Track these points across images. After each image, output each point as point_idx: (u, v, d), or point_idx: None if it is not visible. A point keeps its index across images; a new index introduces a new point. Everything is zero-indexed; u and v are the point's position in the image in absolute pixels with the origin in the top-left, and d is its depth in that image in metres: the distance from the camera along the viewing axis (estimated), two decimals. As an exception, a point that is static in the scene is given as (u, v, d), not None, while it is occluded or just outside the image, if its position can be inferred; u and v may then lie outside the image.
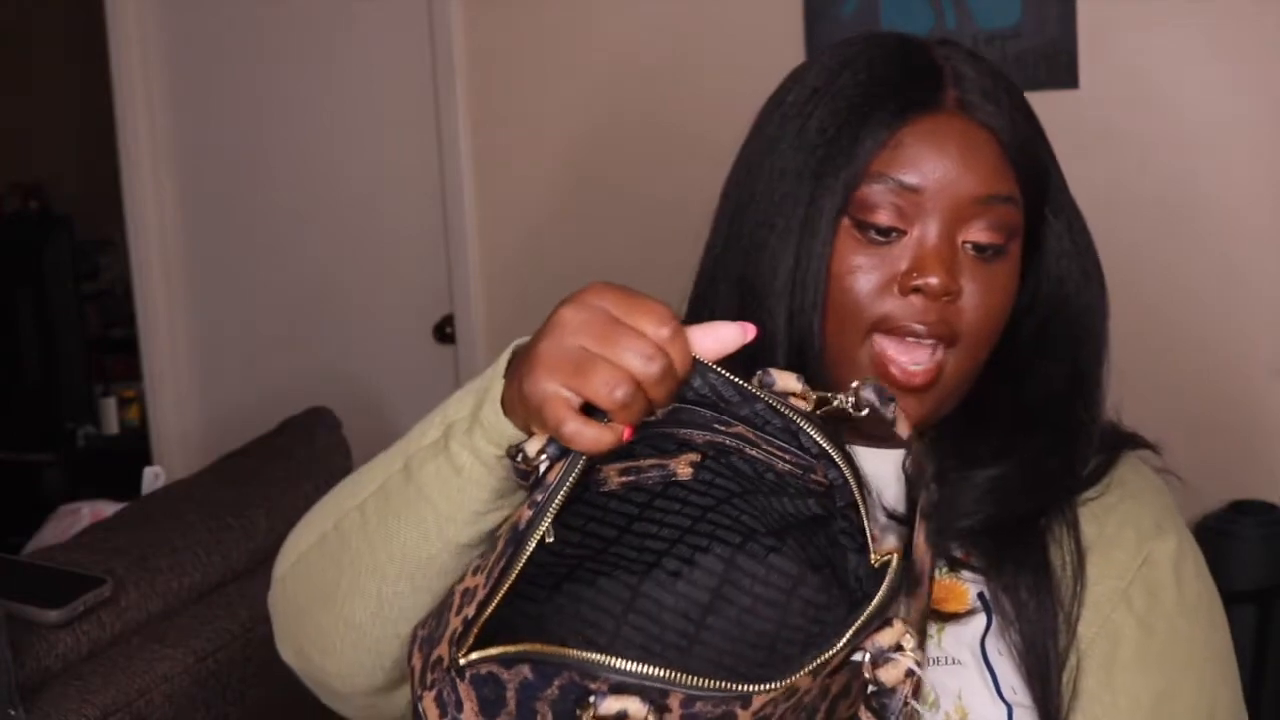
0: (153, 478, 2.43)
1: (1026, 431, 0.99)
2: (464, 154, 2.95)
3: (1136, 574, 0.97)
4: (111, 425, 4.11)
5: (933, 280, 0.92)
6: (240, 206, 3.23)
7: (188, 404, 3.33)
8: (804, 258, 0.94)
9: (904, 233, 0.93)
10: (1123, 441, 1.04)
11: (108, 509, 2.36)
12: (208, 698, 1.72)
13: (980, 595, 0.96)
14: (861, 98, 0.94)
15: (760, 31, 2.68)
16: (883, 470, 0.97)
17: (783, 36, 2.66)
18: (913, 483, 0.95)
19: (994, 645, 0.95)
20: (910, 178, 0.93)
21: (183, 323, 3.31)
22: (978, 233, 0.94)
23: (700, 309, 1.01)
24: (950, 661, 0.94)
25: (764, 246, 0.96)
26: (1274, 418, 2.59)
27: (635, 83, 2.80)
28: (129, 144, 3.23)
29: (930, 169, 0.93)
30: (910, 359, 0.93)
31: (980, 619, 0.96)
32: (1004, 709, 0.93)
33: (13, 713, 1.46)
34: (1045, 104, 2.94)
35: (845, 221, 0.94)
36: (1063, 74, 2.57)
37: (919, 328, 0.93)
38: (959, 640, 0.95)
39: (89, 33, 3.62)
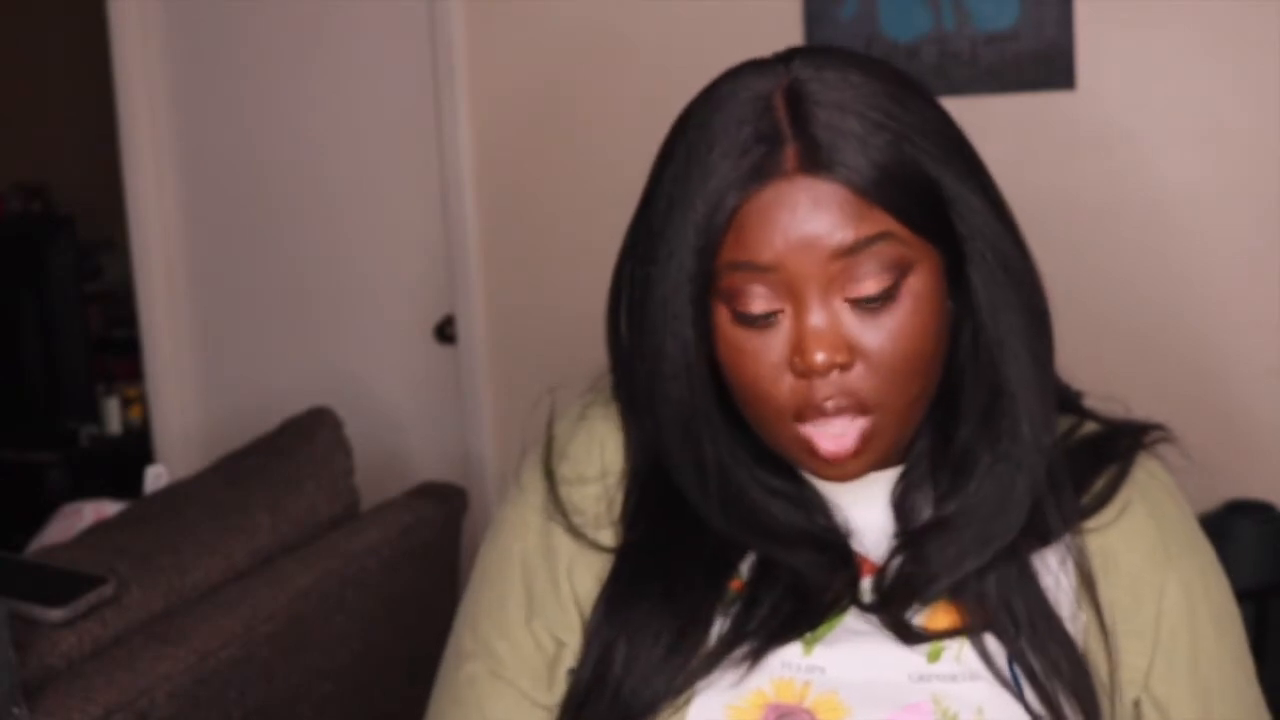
0: (155, 477, 2.44)
1: (964, 476, 0.96)
2: (464, 154, 2.95)
3: (1166, 608, 0.98)
4: (114, 425, 4.11)
5: (815, 360, 0.88)
6: (242, 207, 3.24)
7: (190, 404, 3.34)
8: (678, 346, 0.93)
9: (780, 311, 0.90)
10: (1132, 440, 1.02)
11: (110, 508, 2.37)
12: (210, 696, 1.73)
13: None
14: (704, 176, 0.89)
15: (759, 35, 2.68)
16: (868, 515, 1.00)
17: (782, 40, 2.66)
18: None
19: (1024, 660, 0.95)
20: (761, 258, 0.88)
21: (185, 323, 3.32)
22: (855, 287, 0.88)
23: (614, 319, 1.00)
24: (970, 677, 0.94)
25: (646, 316, 0.94)
26: (1272, 418, 2.59)
27: (635, 84, 2.80)
28: (131, 144, 3.24)
29: (778, 243, 0.87)
30: (831, 435, 0.91)
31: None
32: None
33: (16, 711, 1.47)
34: (1042, 105, 2.93)
35: (722, 307, 0.91)
36: (1060, 75, 2.58)
37: (826, 405, 0.90)
38: (985, 654, 0.95)
39: (91, 33, 3.63)
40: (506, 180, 2.97)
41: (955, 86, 2.61)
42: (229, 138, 3.22)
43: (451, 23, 2.91)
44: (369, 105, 3.07)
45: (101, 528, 1.95)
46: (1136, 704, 0.98)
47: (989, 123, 2.60)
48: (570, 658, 1.01)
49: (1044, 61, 2.59)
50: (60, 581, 1.69)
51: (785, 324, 0.90)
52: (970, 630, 0.95)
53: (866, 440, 0.91)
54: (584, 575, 1.01)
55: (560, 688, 1.01)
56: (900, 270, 0.89)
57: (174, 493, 2.10)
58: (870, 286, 0.88)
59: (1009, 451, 0.94)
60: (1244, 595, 2.40)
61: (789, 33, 2.69)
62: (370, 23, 3.04)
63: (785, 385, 0.90)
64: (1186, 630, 0.98)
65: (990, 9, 2.60)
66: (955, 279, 0.93)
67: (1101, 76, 2.59)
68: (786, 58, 0.93)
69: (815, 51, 0.93)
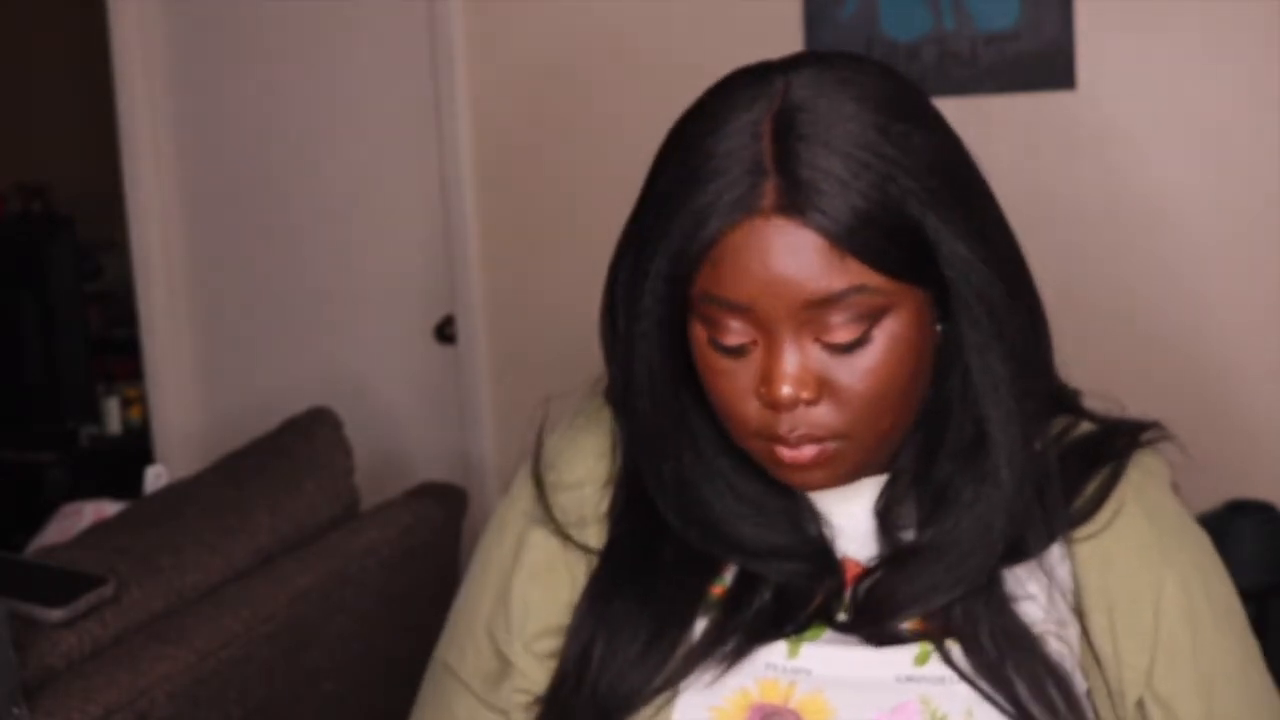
0: (154, 477, 2.44)
1: (944, 508, 0.96)
2: (464, 153, 2.96)
3: (1164, 605, 0.97)
4: (114, 425, 4.11)
5: (781, 394, 0.88)
6: (241, 207, 3.24)
7: (189, 403, 3.34)
8: (644, 367, 0.94)
9: (753, 342, 0.90)
10: (1128, 439, 1.01)
11: (110, 508, 2.37)
12: (210, 696, 1.73)
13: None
14: (686, 201, 0.88)
15: (759, 35, 2.69)
16: (854, 519, 1.00)
17: (781, 41, 2.67)
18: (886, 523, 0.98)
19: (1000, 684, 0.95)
20: (734, 297, 0.88)
21: (184, 323, 3.32)
22: (827, 334, 0.88)
23: (609, 315, 1.00)
24: (960, 679, 0.94)
25: (623, 330, 0.96)
26: (1272, 418, 2.59)
27: (634, 83, 2.81)
28: (131, 145, 3.24)
29: (751, 286, 0.87)
30: (794, 454, 0.92)
31: None
32: None
33: (16, 711, 1.47)
34: (1042, 105, 2.93)
35: (699, 326, 0.92)
36: (1060, 75, 2.58)
37: (789, 436, 0.90)
38: (953, 665, 0.95)
39: (91, 33, 3.63)
40: (506, 179, 2.97)
41: (955, 86, 2.61)
42: (229, 138, 3.22)
43: (452, 22, 2.91)
44: (369, 105, 3.07)
45: (101, 528, 1.95)
46: (1140, 704, 0.97)
47: (989, 123, 2.61)
48: (519, 678, 1.03)
49: (1044, 61, 2.59)
50: (60, 581, 1.69)
51: (756, 354, 0.90)
52: (938, 639, 0.95)
53: (827, 460, 0.92)
54: (544, 588, 1.03)
55: (509, 700, 1.03)
56: (874, 317, 0.88)
57: (174, 493, 2.10)
58: (842, 336, 0.88)
59: (990, 495, 0.94)
60: (1244, 595, 2.40)
61: (789, 33, 2.69)
62: (370, 22, 3.04)
63: (753, 409, 0.91)
64: (1186, 625, 0.98)
65: (990, 9, 2.60)
66: (947, 306, 0.92)
67: (1101, 76, 2.59)
68: (786, 67, 0.91)
69: (817, 65, 0.91)
